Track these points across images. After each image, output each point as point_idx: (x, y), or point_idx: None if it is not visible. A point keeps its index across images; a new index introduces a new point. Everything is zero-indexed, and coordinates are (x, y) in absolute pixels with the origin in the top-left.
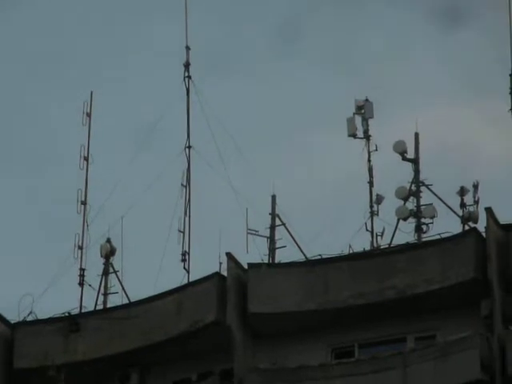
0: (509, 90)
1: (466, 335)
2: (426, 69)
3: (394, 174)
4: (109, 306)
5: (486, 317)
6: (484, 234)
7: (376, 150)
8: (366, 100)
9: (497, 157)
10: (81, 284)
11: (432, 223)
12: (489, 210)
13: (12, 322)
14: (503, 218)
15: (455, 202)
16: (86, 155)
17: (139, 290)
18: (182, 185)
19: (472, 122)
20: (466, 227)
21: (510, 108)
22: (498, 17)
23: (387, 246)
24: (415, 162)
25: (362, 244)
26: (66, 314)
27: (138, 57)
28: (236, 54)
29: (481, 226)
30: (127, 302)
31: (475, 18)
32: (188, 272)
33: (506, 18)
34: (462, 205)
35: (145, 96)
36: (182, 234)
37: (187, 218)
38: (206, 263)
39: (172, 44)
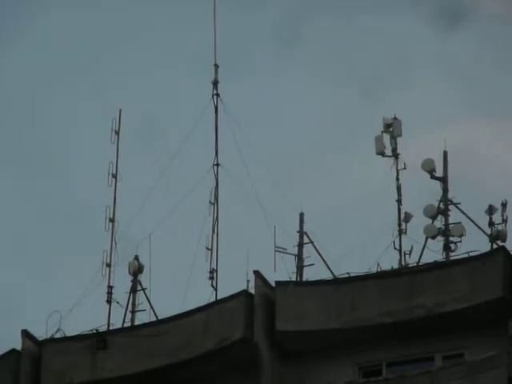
0: None
1: (493, 354)
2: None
3: (422, 193)
4: (136, 323)
5: None
6: None
7: (404, 168)
8: (395, 118)
9: None
10: (109, 301)
11: (460, 242)
12: None
13: (40, 339)
14: None
15: (484, 220)
16: (114, 172)
17: (167, 308)
18: (209, 202)
19: (499, 139)
20: (495, 246)
21: None
22: None
23: (415, 264)
24: (444, 180)
25: (390, 262)
26: (94, 332)
27: (166, 72)
28: (259, 68)
29: (509, 244)
30: (155, 319)
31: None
32: (216, 290)
33: None
34: (491, 223)
35: (173, 113)
36: (209, 252)
37: (215, 236)
38: (234, 281)
39: (200, 60)
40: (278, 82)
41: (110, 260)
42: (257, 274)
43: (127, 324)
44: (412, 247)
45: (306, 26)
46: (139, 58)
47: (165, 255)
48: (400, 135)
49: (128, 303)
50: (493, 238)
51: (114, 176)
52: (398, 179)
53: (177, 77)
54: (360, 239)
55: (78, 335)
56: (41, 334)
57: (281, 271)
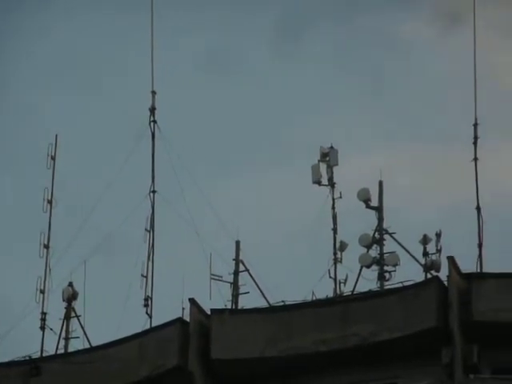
0: (472, 140)
1: (427, 383)
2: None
3: (357, 222)
4: (70, 350)
5: (446, 365)
6: (446, 283)
7: (340, 197)
8: (331, 147)
9: (459, 205)
10: (42, 328)
11: (395, 271)
12: (451, 259)
13: None
14: (465, 267)
15: (418, 250)
16: (49, 198)
17: (101, 335)
18: (145, 230)
19: (437, 169)
20: (429, 275)
21: (473, 158)
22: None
23: (350, 293)
24: (379, 209)
25: (326, 291)
26: (27, 358)
27: (103, 97)
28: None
29: (443, 274)
30: (89, 346)
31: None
32: (150, 317)
33: None
34: (425, 253)
35: (109, 140)
36: (144, 279)
37: (150, 263)
38: (169, 309)
39: (138, 88)
40: (211, 108)
41: (44, 286)
42: (192, 301)
43: (61, 351)
44: (347, 276)
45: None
46: (82, 80)
47: (100, 282)
48: (336, 164)
49: (62, 330)
50: (427, 267)
51: (49, 202)
52: (333, 208)
53: (114, 102)
54: (295, 267)
55: (10, 361)
56: None
57: (216, 299)
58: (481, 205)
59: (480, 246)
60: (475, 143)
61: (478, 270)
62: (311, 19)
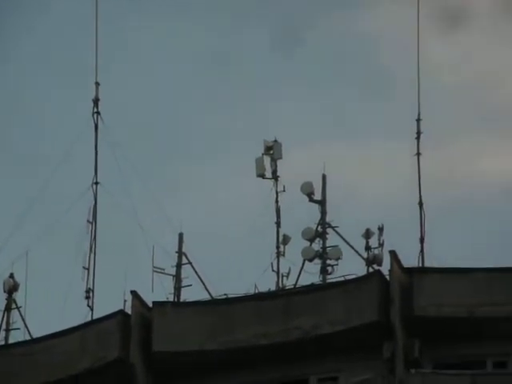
0: (415, 135)
1: (367, 377)
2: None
3: (301, 215)
4: (10, 342)
5: (388, 359)
6: (388, 277)
7: (284, 190)
8: (275, 141)
9: (401, 200)
10: None
11: (337, 265)
12: (393, 253)
13: None
14: (407, 262)
15: (361, 244)
16: None
17: (42, 327)
18: (88, 221)
19: (380, 164)
20: (371, 269)
21: (415, 153)
22: None
23: (292, 286)
24: (322, 203)
25: (268, 284)
26: None
27: (47, 88)
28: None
29: (385, 268)
30: (29, 338)
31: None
32: (92, 309)
33: None
34: (367, 247)
35: (52, 131)
36: (86, 271)
37: (92, 255)
38: (111, 301)
39: (82, 80)
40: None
41: None
42: (134, 293)
43: (1, 342)
44: (290, 269)
45: None
46: (30, 75)
47: (41, 273)
48: (280, 158)
49: (2, 321)
50: (369, 261)
51: None
52: (277, 202)
53: (58, 94)
54: (238, 260)
55: None
56: None
57: (158, 292)
58: (423, 200)
59: (422, 240)
60: (418, 138)
61: (420, 265)
62: None
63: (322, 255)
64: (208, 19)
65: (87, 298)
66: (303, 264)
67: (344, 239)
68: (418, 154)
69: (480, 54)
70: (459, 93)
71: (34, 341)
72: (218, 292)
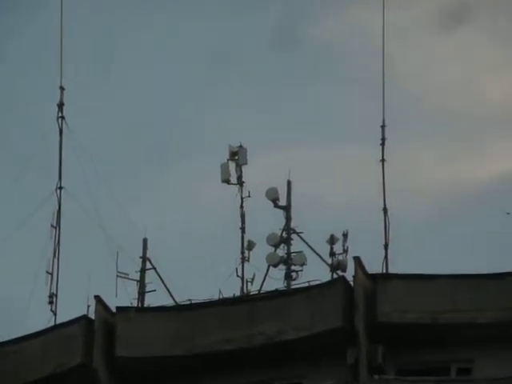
0: (380, 141)
1: (331, 383)
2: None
3: (266, 221)
4: None
5: (351, 365)
6: (352, 283)
7: (249, 196)
8: (240, 146)
9: (366, 206)
10: None
11: (302, 270)
12: (357, 259)
13: None
14: (371, 268)
15: (325, 250)
16: None
17: (4, 332)
18: (51, 226)
19: (345, 170)
20: (335, 276)
21: (380, 159)
22: None
23: (257, 292)
24: (287, 209)
25: (233, 290)
26: None
27: (12, 93)
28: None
29: (349, 274)
30: None
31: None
32: (55, 314)
33: None
34: (332, 253)
35: (17, 134)
36: (50, 276)
37: (56, 260)
38: (74, 306)
39: (47, 84)
40: (121, 105)
41: None
42: (97, 299)
43: None
44: (254, 275)
45: None
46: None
47: (4, 278)
48: (245, 163)
49: None
50: (333, 267)
51: None
52: (242, 207)
53: (23, 98)
54: (203, 266)
55: None
56: None
57: (122, 297)
58: (387, 206)
59: (386, 246)
60: (383, 144)
61: (384, 271)
62: None
63: (287, 261)
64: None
65: (50, 302)
66: (268, 270)
67: (308, 245)
68: (383, 160)
69: (444, 62)
70: (423, 100)
71: None
72: (183, 297)
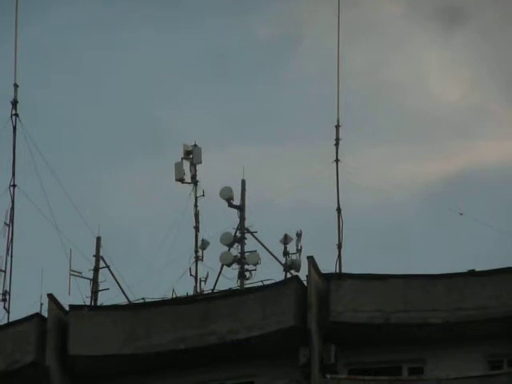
0: (334, 141)
1: (283, 383)
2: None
3: (220, 220)
4: None
5: (303, 365)
6: (305, 283)
7: (203, 195)
8: (195, 145)
9: (319, 206)
10: None
11: (255, 270)
12: (310, 259)
13: None
14: (324, 267)
15: (279, 249)
16: None
17: None
18: (5, 223)
19: (299, 170)
20: (289, 275)
21: (334, 159)
22: None
23: (210, 291)
24: (241, 208)
25: (186, 289)
26: None
27: None
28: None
29: (302, 274)
30: None
31: None
32: (8, 312)
33: None
34: (285, 253)
35: None
36: (3, 274)
37: (9, 258)
38: (27, 304)
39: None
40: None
41: None
42: (50, 297)
43: None
44: (208, 274)
45: None
46: None
47: None
48: (200, 162)
49: None
50: (287, 267)
51: None
52: (196, 206)
53: None
54: (157, 265)
55: None
56: None
57: (75, 295)
58: (341, 206)
59: (339, 246)
60: (337, 144)
61: (337, 271)
62: None
63: (241, 260)
64: None
65: (3, 300)
66: (221, 269)
67: (262, 244)
68: (337, 160)
69: (395, 60)
70: (375, 99)
71: None
72: (136, 296)
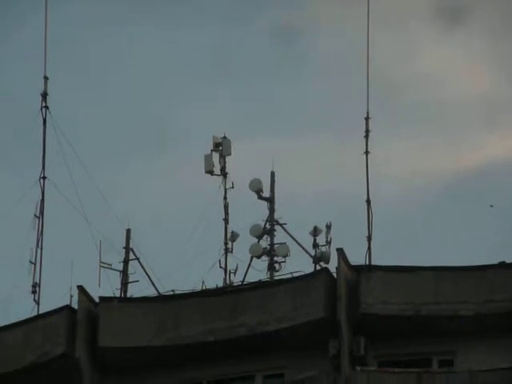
0: (364, 133)
1: (312, 374)
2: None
3: (249, 212)
4: None
5: (333, 357)
6: (335, 275)
7: (232, 187)
8: (224, 137)
9: (350, 198)
10: None
11: (285, 262)
12: (340, 251)
13: None
14: (354, 259)
15: (308, 241)
16: None
17: None
18: (35, 215)
19: (329, 162)
20: (318, 267)
21: (364, 151)
22: None
23: (240, 283)
24: (270, 200)
25: (216, 281)
26: None
27: None
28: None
29: (332, 266)
30: None
31: None
32: (38, 304)
33: None
34: (315, 245)
35: (1, 123)
36: (33, 266)
37: (39, 250)
38: (57, 296)
39: (31, 75)
40: (105, 95)
41: None
42: (80, 289)
43: None
44: (237, 266)
45: None
46: None
47: None
48: (229, 154)
49: None
50: (316, 259)
51: None
52: (225, 198)
53: (6, 87)
54: (186, 257)
55: None
56: None
57: (105, 287)
58: (371, 198)
59: (369, 238)
60: (367, 136)
61: (367, 263)
62: None
63: (270, 252)
64: None
65: (34, 292)
66: (251, 261)
67: (292, 236)
68: (367, 152)
69: (422, 53)
70: (406, 90)
71: None
72: (165, 288)
